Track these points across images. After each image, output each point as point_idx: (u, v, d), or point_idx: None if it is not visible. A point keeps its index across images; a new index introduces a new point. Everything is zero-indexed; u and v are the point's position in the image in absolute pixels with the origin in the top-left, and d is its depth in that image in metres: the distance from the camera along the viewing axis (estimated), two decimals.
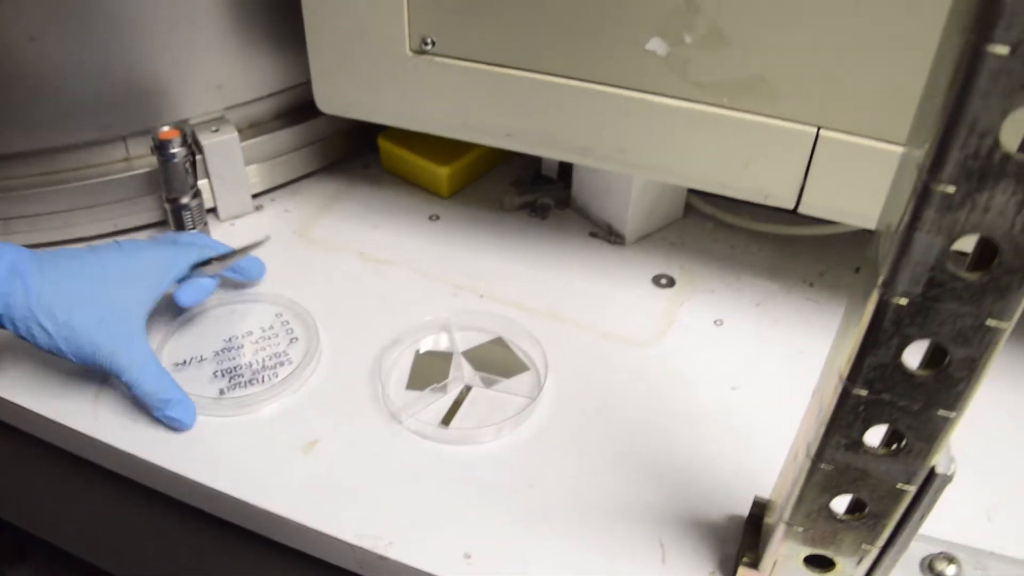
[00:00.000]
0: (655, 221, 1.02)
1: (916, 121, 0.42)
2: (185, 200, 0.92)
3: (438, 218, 1.05)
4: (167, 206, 0.93)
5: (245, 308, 0.90)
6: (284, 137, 1.05)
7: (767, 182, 0.78)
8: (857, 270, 0.98)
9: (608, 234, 1.01)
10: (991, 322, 0.42)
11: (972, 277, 0.41)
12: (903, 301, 0.43)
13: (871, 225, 0.74)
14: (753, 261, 0.99)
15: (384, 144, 1.11)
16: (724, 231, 1.03)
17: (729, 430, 0.78)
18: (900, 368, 0.46)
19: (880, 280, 0.43)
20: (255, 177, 1.05)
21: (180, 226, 0.93)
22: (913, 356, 0.46)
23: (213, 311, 0.89)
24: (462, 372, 0.82)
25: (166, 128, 0.90)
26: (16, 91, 0.89)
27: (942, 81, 0.37)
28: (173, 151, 0.89)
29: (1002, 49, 0.33)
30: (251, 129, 1.04)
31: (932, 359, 0.46)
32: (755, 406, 0.80)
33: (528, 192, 1.07)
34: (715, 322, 0.90)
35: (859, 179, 0.74)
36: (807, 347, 0.87)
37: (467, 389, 0.81)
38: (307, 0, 0.85)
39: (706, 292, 0.94)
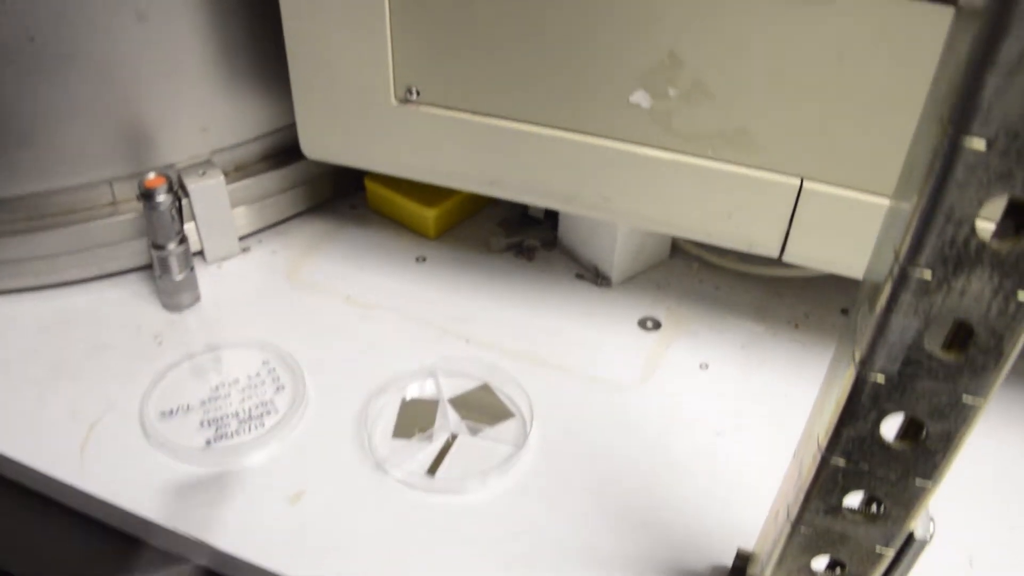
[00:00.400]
0: (641, 262, 1.02)
1: (895, 198, 0.43)
2: (171, 247, 0.92)
3: (425, 260, 1.05)
4: (153, 252, 0.93)
5: (232, 355, 0.90)
6: (271, 179, 1.05)
7: (751, 231, 0.78)
8: (843, 311, 0.99)
9: (595, 276, 1.01)
10: (967, 399, 0.43)
11: (948, 357, 0.41)
12: (880, 378, 0.43)
13: (856, 274, 0.75)
14: (739, 302, 0.99)
15: (371, 185, 1.12)
16: (710, 272, 1.04)
17: (714, 477, 0.79)
18: (878, 440, 0.47)
19: (858, 357, 0.44)
20: (242, 219, 1.05)
21: (166, 272, 0.93)
22: (891, 426, 0.46)
23: (199, 358, 0.89)
24: (448, 420, 0.82)
25: (152, 175, 0.90)
26: None
27: (920, 166, 0.38)
28: (159, 199, 0.89)
29: (979, 143, 0.34)
30: (238, 171, 1.04)
31: (909, 430, 0.46)
32: (740, 453, 0.81)
33: (515, 233, 1.07)
34: (700, 365, 0.90)
35: (843, 229, 0.75)
36: (792, 392, 0.87)
37: (453, 437, 0.81)
38: (292, 50, 0.85)
39: (691, 335, 0.95)
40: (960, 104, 0.34)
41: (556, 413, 0.84)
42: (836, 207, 0.74)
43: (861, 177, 0.72)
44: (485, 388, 0.86)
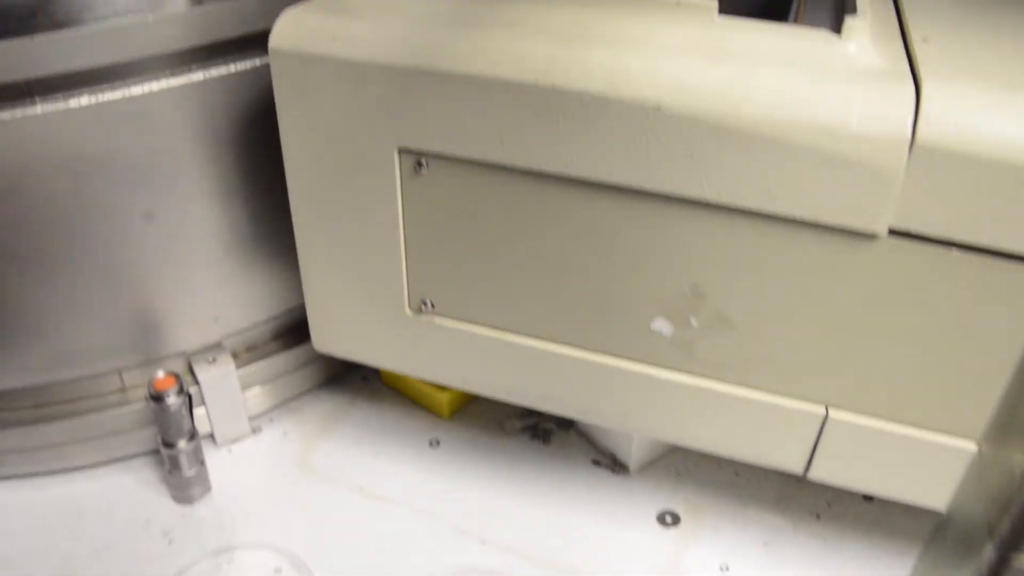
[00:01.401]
0: (659, 448, 1.00)
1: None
2: (182, 444, 0.91)
3: (439, 443, 1.03)
4: (163, 450, 0.91)
5: (243, 559, 0.88)
6: (282, 360, 1.04)
7: (774, 452, 0.77)
8: (865, 498, 0.97)
9: (612, 463, 0.99)
10: None
11: None
12: None
13: (883, 494, 0.73)
14: (759, 491, 0.97)
15: None
16: None
17: None
18: None
19: None
20: (253, 399, 1.04)
21: (176, 468, 0.91)
22: None
23: (214, 559, 0.87)
24: None
25: (161, 375, 0.88)
26: (6, 333, 0.88)
27: (957, 559, 0.36)
28: (169, 401, 0.87)
29: None
30: (248, 353, 1.03)
31: None
32: None
33: (531, 413, 1.05)
34: (721, 567, 0.88)
35: (870, 456, 0.73)
36: None
37: None
38: (303, 255, 0.84)
39: (711, 531, 0.92)
40: (1013, 527, 0.33)
41: None
42: (863, 435, 0.72)
43: (889, 407, 0.71)
44: None
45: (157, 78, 0.82)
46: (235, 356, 0.99)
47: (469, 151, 0.71)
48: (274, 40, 0.73)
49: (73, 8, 0.76)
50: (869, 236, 0.64)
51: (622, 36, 0.67)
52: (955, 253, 0.63)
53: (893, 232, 0.63)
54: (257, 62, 0.86)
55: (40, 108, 0.78)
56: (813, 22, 0.73)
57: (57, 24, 0.76)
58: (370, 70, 0.70)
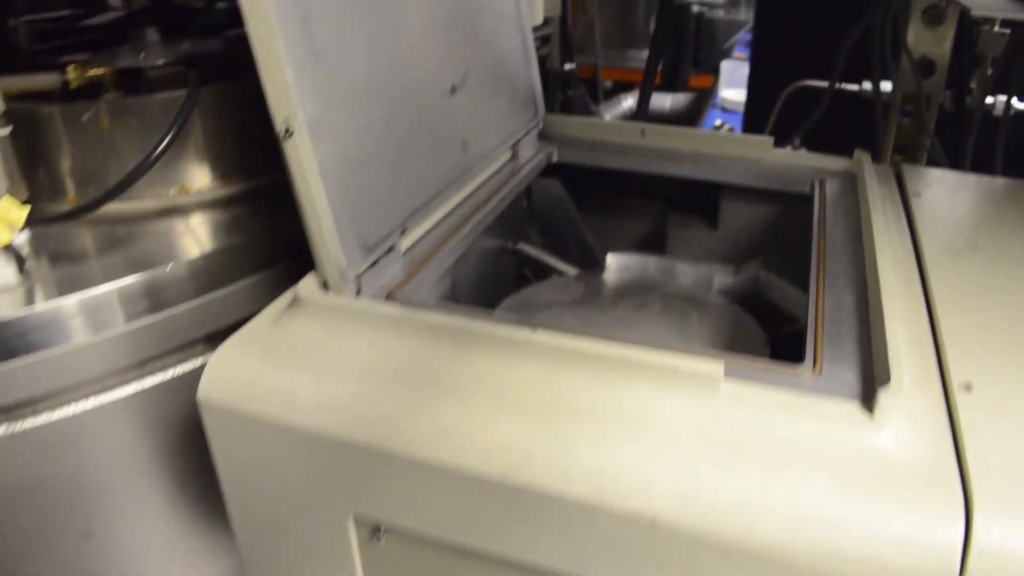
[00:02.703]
0: None
1: None
2: None
3: None
4: None
5: None
6: None
7: None
8: None
9: None
10: None
11: None
12: None
13: None
14: None
15: None
16: None
17: None
18: None
19: None
20: None
21: None
22: None
23: None
24: None
25: None
26: None
27: None
28: None
29: None
30: None
31: None
32: None
33: None
34: None
35: None
36: None
37: None
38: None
39: None
40: None
41: None
42: None
43: None
44: None
45: (85, 397, 0.72)
46: None
47: (430, 530, 0.60)
48: (203, 391, 0.63)
49: None
50: None
51: (612, 417, 0.56)
52: None
53: None
54: (198, 362, 0.76)
55: None
56: (836, 301, 0.64)
57: None
58: (314, 439, 0.60)
